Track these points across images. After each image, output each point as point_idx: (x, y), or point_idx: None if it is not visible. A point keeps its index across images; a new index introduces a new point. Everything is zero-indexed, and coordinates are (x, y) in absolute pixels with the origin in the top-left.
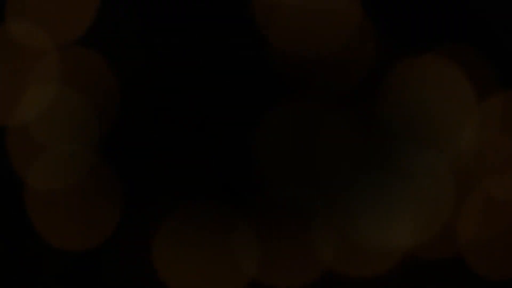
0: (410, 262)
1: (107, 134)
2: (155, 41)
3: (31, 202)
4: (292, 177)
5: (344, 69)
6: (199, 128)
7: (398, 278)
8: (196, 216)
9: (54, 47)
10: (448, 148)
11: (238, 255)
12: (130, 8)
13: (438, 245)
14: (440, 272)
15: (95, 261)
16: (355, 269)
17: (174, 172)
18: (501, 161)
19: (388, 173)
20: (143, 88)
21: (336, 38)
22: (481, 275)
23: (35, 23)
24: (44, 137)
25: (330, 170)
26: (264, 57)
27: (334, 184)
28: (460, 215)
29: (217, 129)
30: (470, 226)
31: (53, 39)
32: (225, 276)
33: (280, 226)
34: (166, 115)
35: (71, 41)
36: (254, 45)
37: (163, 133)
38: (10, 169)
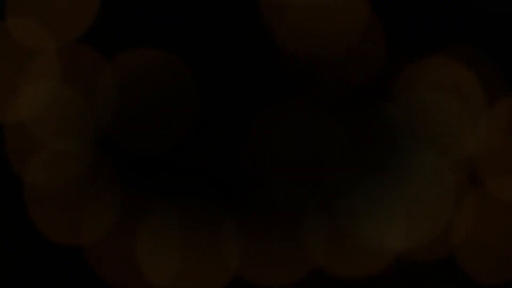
0: (405, 263)
1: (105, 131)
2: (157, 40)
3: (30, 199)
4: (285, 175)
5: (351, 69)
6: (196, 126)
7: (392, 278)
8: (183, 211)
9: (53, 45)
10: (453, 149)
11: (224, 251)
12: (131, 6)
13: (434, 246)
14: (435, 274)
15: (84, 256)
16: (348, 269)
17: (169, 169)
18: (504, 163)
19: (387, 173)
20: (143, 86)
21: (343, 38)
22: (476, 278)
23: (35, 21)
24: (43, 135)
25: (326, 169)
26: (270, 56)
27: (329, 183)
28: (458, 217)
29: (215, 127)
30: (468, 228)
31: (53, 37)
32: (210, 272)
33: (270, 223)
34: (162, 112)
35: (71, 39)
36: (261, 45)
37: (159, 130)
38: (10, 168)
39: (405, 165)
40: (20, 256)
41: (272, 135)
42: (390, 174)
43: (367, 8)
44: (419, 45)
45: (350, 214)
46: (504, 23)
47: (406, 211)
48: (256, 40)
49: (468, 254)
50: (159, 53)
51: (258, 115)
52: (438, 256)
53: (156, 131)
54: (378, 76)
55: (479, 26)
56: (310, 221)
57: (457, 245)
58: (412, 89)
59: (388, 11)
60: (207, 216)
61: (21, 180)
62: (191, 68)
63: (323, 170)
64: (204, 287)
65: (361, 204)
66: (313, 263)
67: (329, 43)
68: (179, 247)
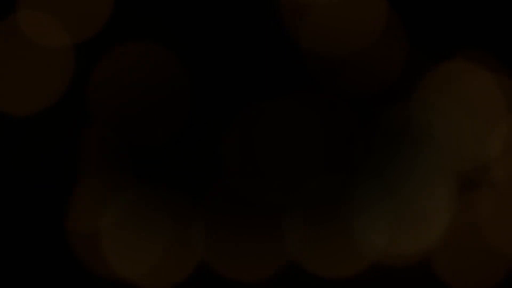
0: (383, 267)
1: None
2: (175, 38)
3: None
4: (267, 172)
5: (370, 70)
6: (189, 123)
7: (370, 280)
8: (152, 202)
9: (66, 43)
10: (470, 154)
11: (192, 242)
12: (148, 5)
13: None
14: (411, 279)
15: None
16: (325, 268)
17: (141, 158)
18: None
19: (385, 175)
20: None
21: (363, 39)
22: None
23: (47, 16)
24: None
25: (313, 168)
26: (291, 55)
27: (318, 183)
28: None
29: (199, 122)
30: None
31: (66, 35)
32: (176, 263)
33: (244, 218)
34: (154, 107)
35: (84, 38)
36: (281, 45)
37: (150, 124)
38: (10, 167)
39: (407, 168)
40: (19, 255)
41: (257, 132)
42: (388, 177)
43: (387, 10)
44: (439, 48)
45: (342, 214)
46: None
47: (398, 214)
48: (283, 40)
49: (446, 261)
50: (177, 51)
51: (246, 112)
52: (415, 262)
53: (148, 124)
54: (397, 78)
55: (500, 30)
56: (288, 218)
57: (437, 251)
58: (430, 92)
59: (409, 14)
60: (178, 208)
61: (21, 177)
62: (189, 64)
63: (309, 169)
64: (169, 278)
65: (354, 204)
66: (288, 259)
67: (348, 43)
68: (146, 236)
